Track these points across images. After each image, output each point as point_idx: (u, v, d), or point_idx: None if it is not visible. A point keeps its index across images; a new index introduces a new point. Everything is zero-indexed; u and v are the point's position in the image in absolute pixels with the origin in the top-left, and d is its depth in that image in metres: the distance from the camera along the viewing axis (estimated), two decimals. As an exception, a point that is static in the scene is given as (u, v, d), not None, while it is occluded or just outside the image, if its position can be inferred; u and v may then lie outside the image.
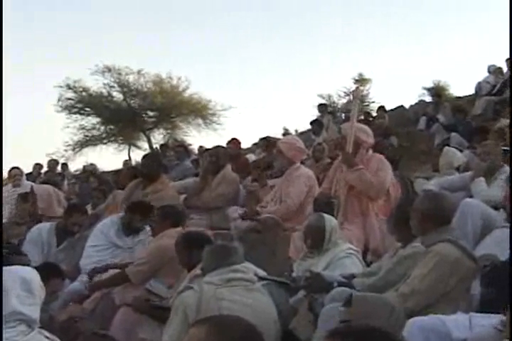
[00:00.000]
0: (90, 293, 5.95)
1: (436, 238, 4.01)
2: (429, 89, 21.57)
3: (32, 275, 3.43)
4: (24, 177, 10.83)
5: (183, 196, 7.95)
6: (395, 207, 5.34)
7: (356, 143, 6.34)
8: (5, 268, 3.47)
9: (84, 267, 6.38)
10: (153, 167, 7.72)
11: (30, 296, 3.31)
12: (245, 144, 14.92)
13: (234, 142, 11.06)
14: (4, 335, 3.14)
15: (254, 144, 13.42)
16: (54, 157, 19.24)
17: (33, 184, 10.22)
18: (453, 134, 11.15)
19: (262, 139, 13.13)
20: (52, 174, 14.56)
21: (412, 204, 4.40)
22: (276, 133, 16.23)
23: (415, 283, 3.86)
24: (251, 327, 2.82)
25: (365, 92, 20.36)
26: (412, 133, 13.90)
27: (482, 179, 6.26)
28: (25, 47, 39.00)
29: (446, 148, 7.82)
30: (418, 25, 42.74)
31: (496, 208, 5.54)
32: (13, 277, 3.33)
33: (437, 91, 18.43)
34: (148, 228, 6.54)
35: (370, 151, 6.55)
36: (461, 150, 8.73)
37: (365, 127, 6.75)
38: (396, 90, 39.76)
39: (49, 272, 4.35)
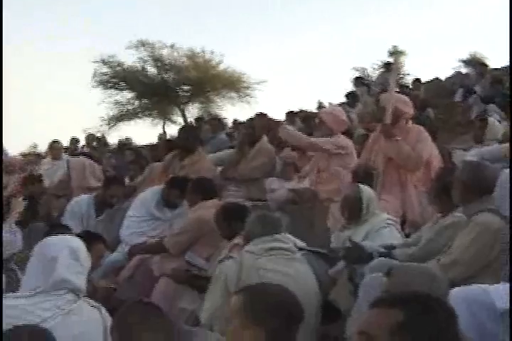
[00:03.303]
0: (130, 258, 6.03)
1: (478, 207, 3.99)
2: (465, 61, 21.27)
3: (78, 243, 3.46)
4: (62, 150, 10.96)
5: (219, 168, 7.97)
6: (434, 177, 5.29)
7: (395, 114, 6.28)
8: (51, 238, 3.51)
9: (124, 237, 6.46)
10: (189, 139, 7.73)
11: (78, 265, 3.34)
12: (280, 117, 14.91)
13: (261, 116, 11.05)
14: (52, 303, 3.18)
15: (288, 116, 13.31)
16: (90, 132, 19.33)
17: (69, 157, 10.33)
18: (490, 105, 11.01)
19: (289, 113, 13.07)
20: (89, 148, 14.72)
21: (451, 175, 4.37)
22: (311, 107, 16.19)
23: (457, 253, 3.85)
24: (290, 295, 2.85)
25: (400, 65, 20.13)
26: (449, 105, 13.74)
27: (523, 149, 6.18)
28: (58, 22, 39.29)
29: (491, 119, 7.70)
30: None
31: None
32: (60, 246, 3.36)
33: (480, 61, 18.09)
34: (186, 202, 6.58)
35: (410, 122, 6.49)
36: (499, 121, 8.61)
37: (405, 97, 6.68)
38: (431, 62, 39.25)
39: (91, 238, 4.39)
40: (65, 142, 13.92)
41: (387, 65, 16.37)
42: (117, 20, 39.55)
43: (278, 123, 7.71)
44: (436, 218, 4.68)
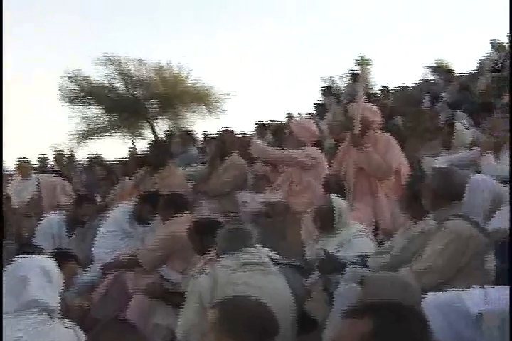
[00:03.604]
0: (103, 275, 5.98)
1: (449, 214, 4.01)
2: (432, 68, 21.46)
3: (50, 264, 3.44)
4: (32, 169, 10.83)
5: (191, 183, 7.96)
6: (404, 185, 5.34)
7: (364, 123, 6.32)
8: (22, 258, 3.48)
9: (96, 255, 6.41)
10: (160, 154, 7.73)
11: (50, 285, 3.31)
12: (250, 129, 14.92)
13: (227, 132, 11.13)
14: (24, 322, 3.14)
15: (258, 128, 13.35)
16: (59, 148, 19.18)
17: (39, 176, 10.22)
18: (458, 112, 11.10)
19: (259, 125, 13.10)
20: (59, 165, 14.60)
21: (421, 182, 4.41)
22: (280, 117, 16.22)
23: (430, 260, 3.87)
24: (265, 309, 2.85)
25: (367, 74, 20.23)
26: (417, 112, 13.83)
27: (490, 154, 6.24)
28: (25, 38, 39.06)
29: (459, 125, 7.77)
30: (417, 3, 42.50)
31: (505, 183, 5.53)
32: (32, 266, 3.34)
33: (446, 68, 18.25)
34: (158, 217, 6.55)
35: (378, 131, 6.54)
36: (466, 127, 8.69)
37: (372, 106, 6.73)
38: (397, 70, 39.58)
39: (63, 257, 4.36)
40: (34, 159, 13.81)
41: (354, 75, 16.42)
42: (83, 36, 39.36)
43: (249, 139, 7.74)
44: (407, 225, 4.71)
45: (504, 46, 14.41)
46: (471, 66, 16.08)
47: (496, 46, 14.50)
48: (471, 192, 5.07)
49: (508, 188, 5.38)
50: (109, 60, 25.76)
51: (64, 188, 9.24)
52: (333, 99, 16.06)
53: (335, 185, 6.09)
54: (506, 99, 9.93)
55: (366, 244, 5.12)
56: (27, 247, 5.62)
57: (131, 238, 6.50)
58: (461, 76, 15.93)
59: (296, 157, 6.93)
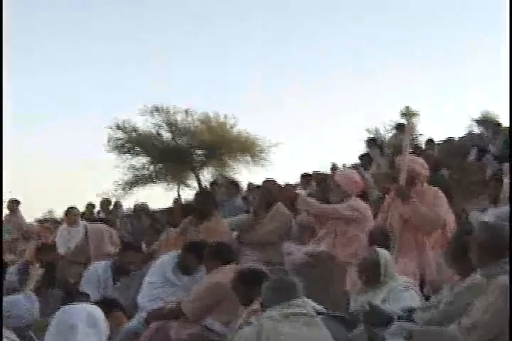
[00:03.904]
0: (148, 325, 5.99)
1: (497, 270, 3.96)
2: (478, 120, 21.36)
3: (97, 311, 3.47)
4: (79, 217, 11.00)
5: (235, 233, 7.99)
6: (451, 239, 5.28)
7: (410, 176, 6.31)
8: (69, 306, 3.52)
9: (141, 304, 6.42)
10: (206, 204, 7.80)
11: (97, 333, 3.34)
12: (295, 179, 14.96)
13: (269, 182, 11.20)
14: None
15: (303, 178, 13.42)
16: (105, 197, 19.42)
17: (86, 223, 10.36)
18: (505, 165, 11.00)
19: (304, 175, 13.12)
20: (105, 213, 14.76)
21: (468, 236, 4.36)
22: (325, 168, 16.22)
23: (477, 315, 3.81)
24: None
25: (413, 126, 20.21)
26: (463, 165, 13.73)
27: (539, 209, 6.18)
28: (74, 89, 39.98)
29: (505, 179, 7.72)
30: (467, 56, 42.52)
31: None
32: (79, 314, 3.37)
33: (493, 121, 18.15)
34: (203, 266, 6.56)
35: (425, 184, 6.52)
36: (514, 181, 8.59)
37: (419, 159, 6.72)
38: (443, 122, 39.42)
39: (109, 306, 4.39)
40: (81, 207, 13.99)
41: (399, 126, 16.43)
42: (131, 86, 40.15)
43: (293, 189, 7.77)
44: (455, 280, 4.65)
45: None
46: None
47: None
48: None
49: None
50: (157, 110, 26.17)
51: (110, 236, 9.33)
52: (378, 151, 16.05)
53: (380, 238, 6.05)
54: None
55: (412, 298, 5.06)
56: (74, 294, 5.68)
57: (176, 288, 6.51)
58: (508, 129, 15.81)
59: (340, 210, 6.93)
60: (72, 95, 39.55)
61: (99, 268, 7.21)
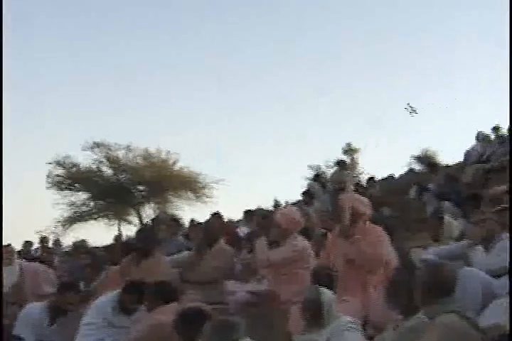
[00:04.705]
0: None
1: (440, 309, 3.97)
2: (418, 158, 21.76)
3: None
4: (15, 254, 10.67)
5: (177, 270, 7.87)
6: (393, 278, 5.27)
7: (354, 214, 6.32)
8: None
9: (80, 346, 6.24)
10: (147, 241, 7.68)
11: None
12: (237, 216, 14.91)
13: (215, 216, 11.14)
14: None
15: (245, 215, 13.38)
16: (44, 234, 19.08)
17: (22, 262, 10.07)
18: (445, 203, 11.14)
19: (247, 212, 13.09)
20: (43, 251, 14.42)
21: (409, 275, 4.37)
22: (268, 204, 16.28)
23: (422, 356, 3.79)
24: None
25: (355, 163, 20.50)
26: (404, 203, 13.88)
27: (480, 247, 6.22)
28: (15, 124, 39.43)
29: (446, 217, 7.81)
30: (407, 93, 43.47)
31: (495, 276, 5.49)
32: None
33: (431, 161, 18.55)
34: (144, 307, 6.42)
35: (368, 222, 6.53)
36: (454, 219, 8.70)
37: (363, 198, 6.75)
38: (384, 159, 40.06)
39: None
40: (18, 245, 13.64)
41: (341, 163, 16.60)
42: (72, 122, 39.86)
43: (235, 225, 7.71)
44: (398, 320, 4.64)
45: (489, 138, 14.65)
46: (457, 157, 16.33)
47: (481, 138, 14.74)
48: (462, 287, 5.02)
49: (498, 281, 5.35)
50: (98, 146, 25.98)
51: (48, 276, 9.09)
52: (320, 187, 16.14)
53: (323, 277, 6.01)
54: (496, 189, 10.01)
55: (356, 338, 5.03)
56: (7, 337, 5.48)
57: (116, 329, 6.34)
58: (447, 167, 16.11)
59: (283, 255, 6.88)
60: (12, 131, 39.00)
61: (34, 309, 6.97)
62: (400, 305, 4.65)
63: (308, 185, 17.32)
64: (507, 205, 6.92)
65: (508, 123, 13.92)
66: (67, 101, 41.82)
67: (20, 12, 38.02)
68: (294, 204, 16.06)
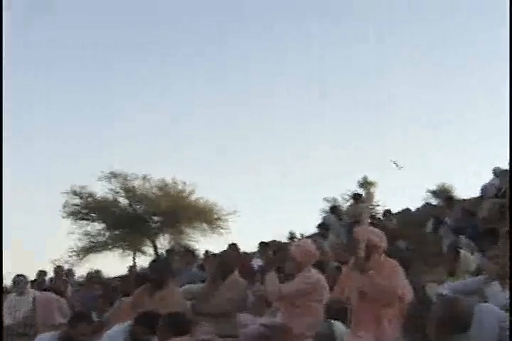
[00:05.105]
0: None
1: (455, 345, 3.91)
2: (434, 192, 21.70)
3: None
4: (29, 284, 10.65)
5: (190, 302, 7.82)
6: (407, 313, 5.21)
7: (368, 247, 6.27)
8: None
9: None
10: (161, 272, 7.66)
11: None
12: (252, 248, 14.86)
13: (232, 247, 11.10)
14: None
15: (260, 247, 13.33)
16: (58, 263, 19.08)
17: (35, 291, 10.05)
18: (461, 237, 11.07)
19: (261, 244, 13.05)
20: (57, 281, 14.41)
21: (424, 309, 4.33)
22: (283, 237, 16.23)
23: None
24: None
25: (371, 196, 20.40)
26: (420, 236, 13.80)
27: (496, 282, 6.15)
28: (30, 155, 39.73)
29: (463, 251, 7.74)
30: (419, 128, 43.48)
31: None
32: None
33: (447, 194, 18.51)
34: (156, 338, 6.37)
35: (383, 255, 6.47)
36: (471, 253, 8.63)
37: (378, 230, 6.69)
38: (400, 193, 39.91)
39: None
40: (32, 274, 13.62)
41: (356, 196, 16.56)
42: (89, 152, 40.14)
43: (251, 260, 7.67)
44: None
45: (507, 173, 14.61)
46: (473, 192, 16.29)
47: (498, 173, 14.70)
48: (477, 322, 4.95)
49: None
50: (114, 176, 26.07)
51: (60, 306, 9.06)
52: (336, 220, 16.09)
53: (337, 310, 5.95)
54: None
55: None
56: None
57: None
58: (464, 201, 16.05)
59: (295, 287, 6.85)
60: (26, 161, 39.35)
61: (45, 339, 6.94)
62: (414, 339, 4.59)
63: (324, 217, 17.29)
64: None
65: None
66: (84, 131, 42.05)
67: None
68: (309, 236, 16.02)
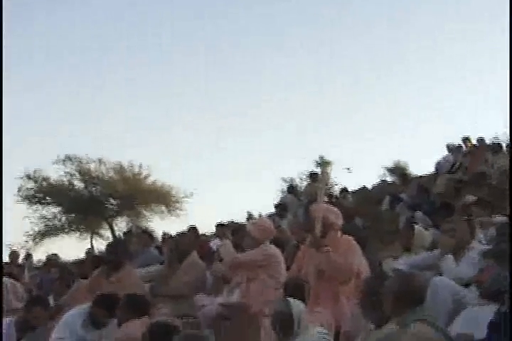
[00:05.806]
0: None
1: (411, 318, 3.97)
2: (390, 169, 21.87)
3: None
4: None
5: (148, 284, 7.79)
6: (364, 289, 5.25)
7: (325, 225, 6.31)
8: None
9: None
10: (118, 254, 7.59)
11: None
12: (210, 229, 14.83)
13: (191, 230, 11.08)
14: None
15: (218, 228, 13.31)
16: (14, 248, 18.86)
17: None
18: (417, 213, 11.20)
19: (219, 225, 13.04)
20: (12, 265, 14.23)
21: (381, 285, 4.37)
22: (241, 217, 16.19)
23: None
24: None
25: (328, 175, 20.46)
26: (377, 214, 13.94)
27: (450, 256, 6.23)
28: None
29: (418, 227, 7.83)
30: (375, 107, 43.74)
31: (466, 285, 5.50)
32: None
33: (402, 171, 18.69)
34: (115, 320, 6.34)
35: (339, 233, 6.51)
36: (426, 229, 8.72)
37: (334, 208, 6.74)
38: (356, 171, 40.16)
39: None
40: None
41: (313, 175, 16.62)
42: (43, 135, 39.58)
43: (207, 239, 7.68)
44: (369, 330, 4.62)
45: (460, 149, 14.83)
46: (428, 168, 16.48)
47: (452, 149, 14.91)
48: (432, 296, 5.03)
49: (468, 290, 5.36)
50: (69, 159, 25.80)
51: (16, 290, 8.96)
52: (294, 199, 16.15)
53: (295, 288, 5.98)
54: (467, 198, 10.11)
55: (327, 349, 4.99)
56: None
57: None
58: (419, 177, 16.24)
59: (251, 256, 6.90)
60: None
61: (2, 324, 6.86)
62: (371, 315, 4.64)
63: (282, 197, 17.35)
64: (476, 215, 6.97)
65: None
66: (37, 114, 41.46)
67: None
68: (267, 216, 16.06)
